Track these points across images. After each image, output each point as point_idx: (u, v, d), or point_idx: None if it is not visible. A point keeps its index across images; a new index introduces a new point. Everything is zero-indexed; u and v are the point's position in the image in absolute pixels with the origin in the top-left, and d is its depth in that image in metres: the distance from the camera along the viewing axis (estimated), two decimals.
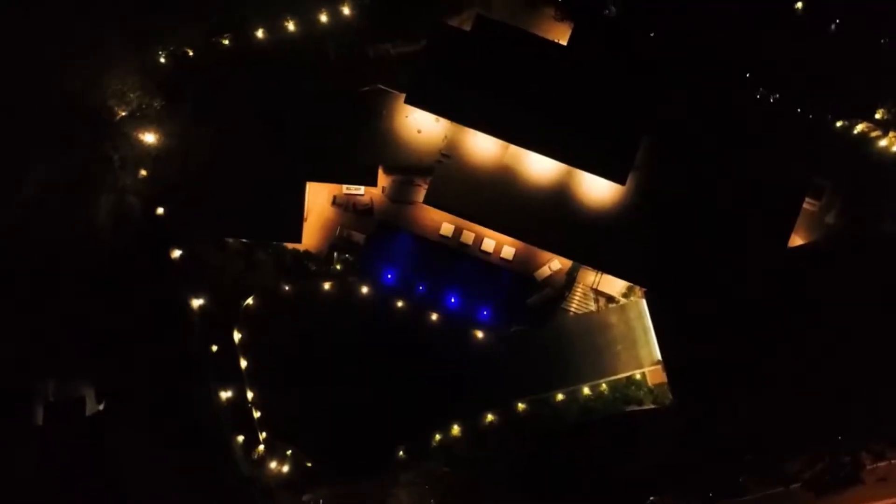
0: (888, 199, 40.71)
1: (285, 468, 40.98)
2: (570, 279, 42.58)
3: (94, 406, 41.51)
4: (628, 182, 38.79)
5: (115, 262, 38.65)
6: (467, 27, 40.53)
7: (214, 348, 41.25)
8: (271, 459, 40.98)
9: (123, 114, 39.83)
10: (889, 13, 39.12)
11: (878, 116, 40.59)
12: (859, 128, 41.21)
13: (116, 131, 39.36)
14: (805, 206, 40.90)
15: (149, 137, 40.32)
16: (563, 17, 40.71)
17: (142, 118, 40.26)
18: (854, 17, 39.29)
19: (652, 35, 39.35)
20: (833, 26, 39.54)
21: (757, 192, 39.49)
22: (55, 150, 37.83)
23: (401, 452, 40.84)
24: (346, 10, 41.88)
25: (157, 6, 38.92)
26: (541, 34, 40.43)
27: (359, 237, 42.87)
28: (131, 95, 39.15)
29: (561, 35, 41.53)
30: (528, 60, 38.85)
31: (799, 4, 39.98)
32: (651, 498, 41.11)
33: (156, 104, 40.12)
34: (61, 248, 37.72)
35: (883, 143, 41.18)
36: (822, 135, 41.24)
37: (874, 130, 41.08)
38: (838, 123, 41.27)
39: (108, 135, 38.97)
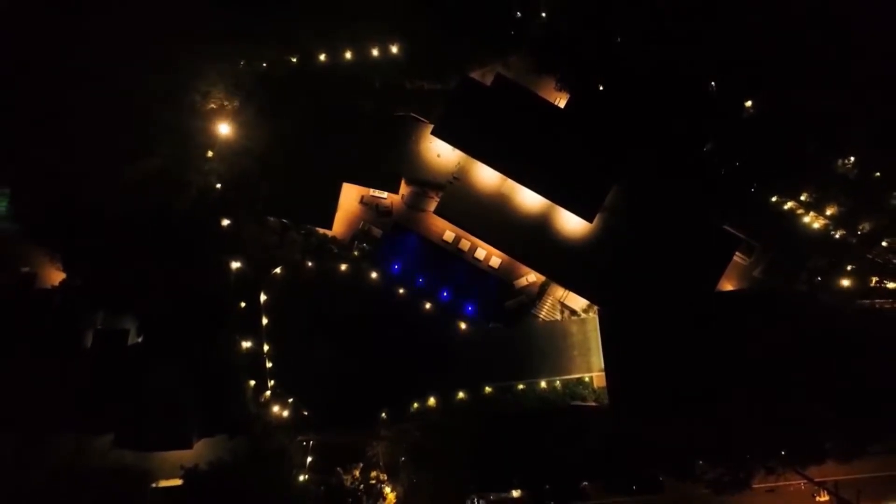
0: (804, 265, 49.40)
1: (285, 413, 47.26)
2: (542, 291, 50.59)
3: (134, 337, 48.87)
4: (596, 220, 47.71)
5: (186, 225, 46.57)
6: (488, 79, 49.74)
7: (242, 304, 47.96)
8: (275, 404, 47.33)
9: (208, 108, 48.47)
10: (820, 122, 48.78)
11: (802, 198, 49.75)
12: (789, 204, 50.27)
13: (202, 123, 47.92)
14: (737, 259, 49.83)
15: (223, 129, 48.80)
16: (561, 87, 49.58)
17: (220, 113, 48.73)
18: (791, 120, 48.71)
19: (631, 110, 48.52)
20: (775, 122, 49.12)
21: (698, 243, 47.97)
22: (166, 138, 46.42)
23: (383, 414, 47.23)
24: (394, 49, 50.67)
25: (247, 30, 48.09)
26: (545, 96, 49.62)
27: (377, 232, 50.98)
28: (215, 94, 47.97)
29: (561, 98, 50.65)
30: (531, 115, 47.92)
31: (749, 103, 49.85)
32: (584, 483, 47.95)
33: (233, 103, 48.85)
34: (154, 211, 45.90)
35: (806, 219, 50.29)
36: (759, 206, 50.13)
37: (799, 209, 50.25)
38: (773, 199, 50.30)
39: (196, 125, 47.65)
